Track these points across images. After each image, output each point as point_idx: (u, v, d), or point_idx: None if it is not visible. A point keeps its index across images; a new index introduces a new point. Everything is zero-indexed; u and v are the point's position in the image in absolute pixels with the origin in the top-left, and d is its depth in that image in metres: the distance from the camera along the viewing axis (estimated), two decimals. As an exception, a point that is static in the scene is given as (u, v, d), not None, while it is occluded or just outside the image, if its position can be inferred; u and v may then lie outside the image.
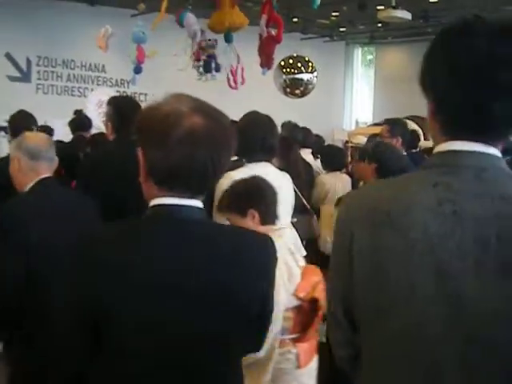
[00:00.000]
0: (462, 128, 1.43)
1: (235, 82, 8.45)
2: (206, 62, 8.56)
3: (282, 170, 4.43)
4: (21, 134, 3.20)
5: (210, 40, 8.55)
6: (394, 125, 5.72)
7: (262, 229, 2.71)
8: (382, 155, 3.84)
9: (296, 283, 2.78)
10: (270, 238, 1.79)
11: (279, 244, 2.77)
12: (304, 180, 5.17)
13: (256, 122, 3.63)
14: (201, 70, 8.95)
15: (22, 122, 4.82)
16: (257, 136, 3.53)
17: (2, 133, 12.36)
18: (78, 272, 1.62)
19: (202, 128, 1.57)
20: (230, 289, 1.63)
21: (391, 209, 1.40)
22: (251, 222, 2.84)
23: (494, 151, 1.41)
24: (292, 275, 2.78)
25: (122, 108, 3.90)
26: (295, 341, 2.86)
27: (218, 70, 8.53)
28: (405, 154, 5.24)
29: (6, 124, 5.41)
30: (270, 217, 2.91)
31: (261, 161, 3.59)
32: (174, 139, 1.55)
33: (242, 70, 8.41)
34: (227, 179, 3.48)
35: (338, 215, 1.60)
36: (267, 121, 3.69)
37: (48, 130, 9.61)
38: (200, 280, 1.59)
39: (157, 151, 1.58)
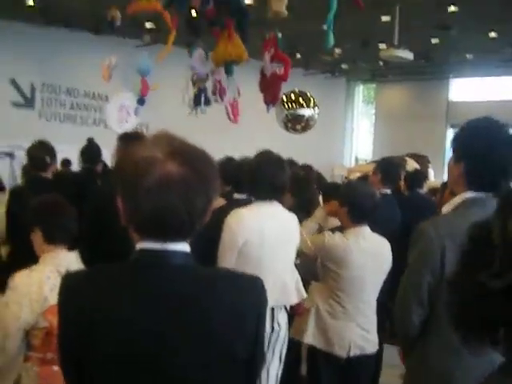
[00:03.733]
0: None
1: (234, 114, 8.49)
2: (196, 96, 8.62)
3: (299, 206, 4.47)
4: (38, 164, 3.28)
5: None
6: (379, 161, 5.88)
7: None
8: (351, 195, 3.89)
9: (48, 305, 2.81)
10: (260, 280, 1.75)
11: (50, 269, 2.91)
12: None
13: (266, 162, 3.65)
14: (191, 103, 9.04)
15: (38, 153, 5.03)
16: (266, 175, 3.56)
17: (4, 157, 12.46)
18: (58, 313, 1.64)
19: (173, 176, 1.54)
20: (215, 333, 1.60)
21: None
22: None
23: None
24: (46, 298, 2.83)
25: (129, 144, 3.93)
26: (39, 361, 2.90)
27: (207, 103, 8.57)
28: (386, 191, 5.30)
29: (8, 149, 5.50)
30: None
31: (269, 199, 3.60)
32: (143, 189, 1.53)
33: (237, 103, 8.49)
34: (235, 217, 3.51)
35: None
36: (277, 160, 3.71)
37: (66, 164, 9.70)
38: (181, 325, 1.57)
39: (129, 201, 1.58)
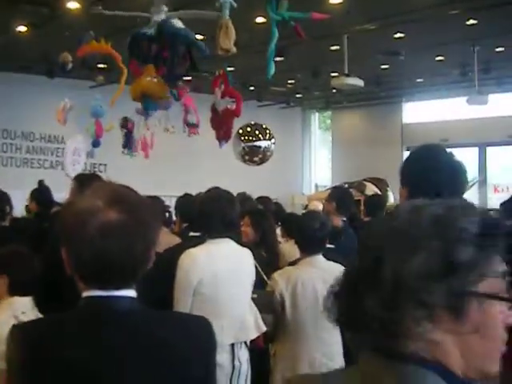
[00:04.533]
0: None
1: (144, 149, 8.82)
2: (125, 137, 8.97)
3: (257, 242, 4.51)
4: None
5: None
6: (332, 190, 6.03)
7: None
8: (296, 228, 3.98)
9: None
10: (208, 323, 1.79)
11: None
12: (277, 252, 5.23)
13: (215, 199, 3.70)
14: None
15: None
16: (216, 212, 3.60)
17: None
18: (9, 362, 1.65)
19: (113, 224, 1.58)
20: (161, 377, 1.62)
21: None
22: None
23: None
24: None
25: (84, 184, 3.95)
26: None
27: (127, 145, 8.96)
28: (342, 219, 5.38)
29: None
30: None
31: (221, 237, 3.64)
32: (83, 239, 1.58)
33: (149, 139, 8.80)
34: (188, 257, 3.54)
35: None
36: (227, 196, 3.76)
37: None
38: (129, 370, 1.59)
39: (71, 250, 1.63)
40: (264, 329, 3.80)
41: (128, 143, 9.34)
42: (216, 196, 3.75)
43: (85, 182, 4.05)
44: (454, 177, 2.54)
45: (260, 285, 4.07)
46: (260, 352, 4.12)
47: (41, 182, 7.34)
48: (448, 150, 2.67)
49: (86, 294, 1.65)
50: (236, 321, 3.60)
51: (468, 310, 1.08)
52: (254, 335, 3.74)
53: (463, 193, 2.63)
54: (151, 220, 1.68)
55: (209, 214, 3.64)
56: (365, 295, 1.11)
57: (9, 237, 4.52)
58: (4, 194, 5.21)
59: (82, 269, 1.63)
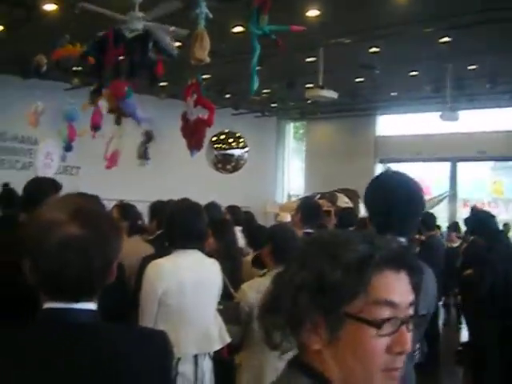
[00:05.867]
0: None
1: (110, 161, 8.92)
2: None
3: (218, 252, 4.51)
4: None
5: None
6: (299, 202, 6.11)
7: None
8: (274, 237, 4.01)
9: None
10: (164, 334, 1.82)
11: None
12: (239, 262, 5.25)
13: (181, 210, 3.73)
14: None
15: None
16: (183, 223, 3.63)
17: None
18: None
19: (73, 238, 1.61)
20: None
21: None
22: None
23: None
24: None
25: (28, 191, 3.94)
26: None
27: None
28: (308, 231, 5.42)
29: None
30: None
31: (188, 248, 3.66)
32: (43, 251, 1.60)
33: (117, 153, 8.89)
34: (154, 267, 3.56)
35: None
36: (193, 208, 3.79)
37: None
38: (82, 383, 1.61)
39: (31, 261, 1.65)
40: (228, 340, 3.82)
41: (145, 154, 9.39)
42: (182, 208, 3.79)
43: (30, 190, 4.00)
44: (408, 196, 2.63)
45: (226, 296, 4.10)
46: (224, 363, 4.14)
47: (6, 185, 7.22)
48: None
49: (46, 305, 1.67)
50: (200, 332, 3.61)
51: (338, 326, 1.20)
52: (217, 346, 3.76)
53: (419, 210, 2.74)
54: (113, 235, 1.71)
55: (175, 226, 3.67)
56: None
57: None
58: None
59: (42, 280, 1.65)
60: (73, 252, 1.60)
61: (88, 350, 1.64)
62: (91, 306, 1.69)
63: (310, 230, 5.47)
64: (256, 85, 6.21)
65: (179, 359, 3.44)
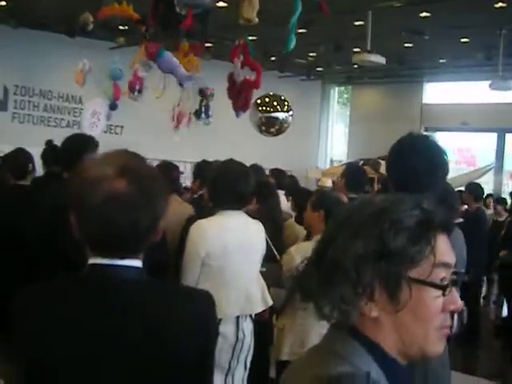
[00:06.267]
0: None
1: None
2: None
3: (260, 214, 4.48)
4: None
5: None
6: (345, 166, 6.09)
7: None
8: (325, 203, 3.94)
9: None
10: (209, 295, 1.80)
11: None
12: (281, 224, 5.21)
13: (227, 171, 3.68)
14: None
15: (19, 161, 4.95)
16: (227, 185, 3.58)
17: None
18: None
19: (119, 194, 1.58)
20: (164, 346, 1.63)
21: None
22: None
23: None
24: None
25: (68, 148, 3.95)
26: None
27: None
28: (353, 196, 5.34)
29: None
30: None
31: (232, 209, 3.62)
32: (88, 206, 1.58)
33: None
34: (197, 229, 3.54)
35: None
36: (239, 169, 3.74)
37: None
38: (131, 338, 1.61)
39: (78, 216, 1.63)
40: (270, 303, 3.81)
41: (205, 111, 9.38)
42: (228, 168, 3.73)
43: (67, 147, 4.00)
44: (430, 159, 2.71)
45: (269, 259, 4.07)
46: (264, 325, 4.13)
47: (49, 142, 7.25)
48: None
49: (91, 261, 1.66)
50: (242, 293, 3.61)
51: (400, 291, 1.22)
52: (259, 309, 3.75)
53: (445, 173, 2.80)
54: (159, 193, 1.68)
55: (220, 187, 3.63)
56: (311, 273, 1.30)
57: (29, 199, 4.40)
58: (27, 153, 5.09)
59: (88, 235, 1.64)
60: (119, 208, 1.58)
61: (131, 307, 1.64)
62: (137, 263, 1.68)
63: (355, 195, 5.39)
64: (293, 43, 6.11)
65: (220, 320, 3.43)
